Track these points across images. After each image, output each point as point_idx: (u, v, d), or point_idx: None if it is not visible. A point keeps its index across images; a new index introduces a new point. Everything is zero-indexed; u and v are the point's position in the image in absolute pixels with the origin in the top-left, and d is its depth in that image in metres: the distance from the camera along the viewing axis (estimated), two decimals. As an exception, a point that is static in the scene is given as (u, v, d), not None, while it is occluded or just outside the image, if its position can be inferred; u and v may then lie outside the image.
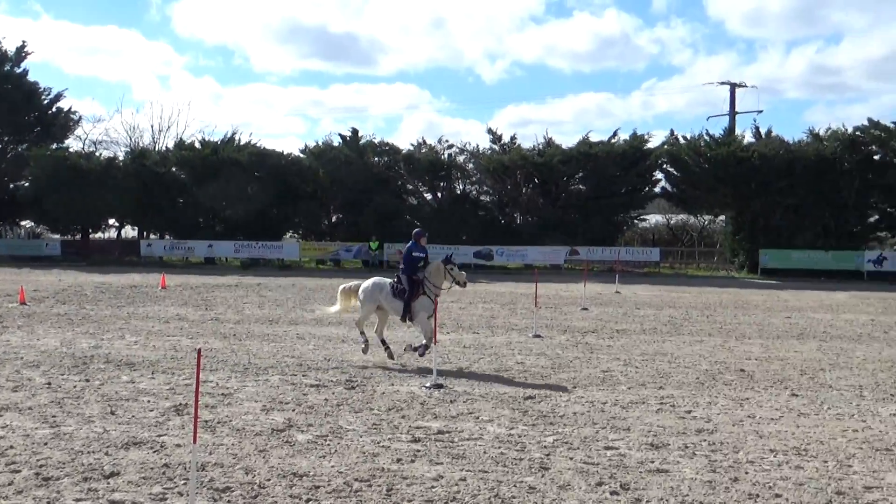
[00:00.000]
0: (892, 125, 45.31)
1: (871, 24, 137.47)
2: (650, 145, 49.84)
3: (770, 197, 45.13)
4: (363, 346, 15.89)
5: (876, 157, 46.02)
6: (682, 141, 49.09)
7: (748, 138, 49.06)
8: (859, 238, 46.63)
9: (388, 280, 16.01)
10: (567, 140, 51.57)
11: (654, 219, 60.44)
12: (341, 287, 16.76)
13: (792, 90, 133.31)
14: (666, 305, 27.56)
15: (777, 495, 8.11)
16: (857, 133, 46.10)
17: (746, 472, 8.83)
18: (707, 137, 48.71)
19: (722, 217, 52.64)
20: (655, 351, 17.39)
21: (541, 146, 51.16)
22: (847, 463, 9.25)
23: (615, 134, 51.23)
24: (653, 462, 9.16)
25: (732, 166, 45.83)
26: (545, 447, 9.70)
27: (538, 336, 19.31)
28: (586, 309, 25.72)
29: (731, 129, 52.80)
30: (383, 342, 15.81)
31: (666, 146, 49.44)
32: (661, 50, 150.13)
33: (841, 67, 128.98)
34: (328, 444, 9.68)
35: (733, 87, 58.62)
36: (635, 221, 54.90)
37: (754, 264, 45.91)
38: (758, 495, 8.11)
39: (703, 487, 8.32)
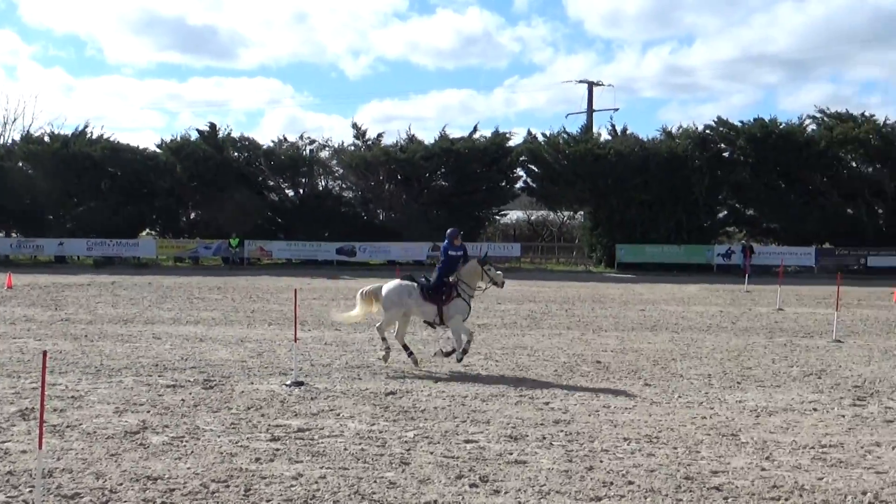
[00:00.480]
0: (739, 124, 47.29)
1: (721, 27, 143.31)
2: (511, 143, 50.60)
3: (626, 193, 46.40)
4: (384, 353, 14.79)
5: (725, 155, 47.95)
6: (541, 138, 49.98)
7: (605, 136, 50.43)
8: (709, 233, 48.47)
9: (412, 283, 14.96)
10: (431, 136, 51.70)
11: (515, 215, 61.35)
12: (361, 290, 15.50)
13: (647, 89, 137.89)
14: (526, 300, 28.03)
15: (630, 482, 8.34)
16: (707, 131, 47.94)
17: (601, 461, 9.05)
18: (566, 135, 49.74)
19: (580, 213, 53.87)
20: (515, 344, 17.66)
21: (404, 142, 51.23)
22: (696, 449, 9.59)
23: (475, 129, 51.72)
24: (511, 454, 9.28)
25: (590, 163, 46.91)
26: (406, 442, 9.71)
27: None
28: (448, 304, 25.88)
29: (588, 127, 54.17)
30: (405, 347, 14.97)
31: (526, 143, 50.24)
32: (522, 48, 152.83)
33: (693, 68, 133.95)
34: (184, 446, 9.44)
35: (591, 85, 60.18)
36: (497, 217, 55.65)
37: (611, 259, 47.15)
38: (611, 483, 8.32)
39: (559, 477, 8.48)
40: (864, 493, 8.08)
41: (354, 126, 53.20)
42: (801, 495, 8.04)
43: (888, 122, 45.96)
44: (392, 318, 14.94)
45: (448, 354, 14.76)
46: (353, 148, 51.89)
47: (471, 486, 8.19)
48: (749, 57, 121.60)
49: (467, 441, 9.78)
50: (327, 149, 52.75)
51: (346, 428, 10.35)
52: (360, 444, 9.61)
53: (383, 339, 14.88)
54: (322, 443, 9.65)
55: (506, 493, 8.01)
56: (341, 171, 52.59)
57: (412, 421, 10.76)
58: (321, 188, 53.20)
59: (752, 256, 43.28)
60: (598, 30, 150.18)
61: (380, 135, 52.66)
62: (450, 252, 14.90)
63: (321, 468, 8.67)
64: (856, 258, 44.93)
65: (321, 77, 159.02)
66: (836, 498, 7.98)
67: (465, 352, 14.55)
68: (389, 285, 15.10)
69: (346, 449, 9.38)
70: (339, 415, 11.07)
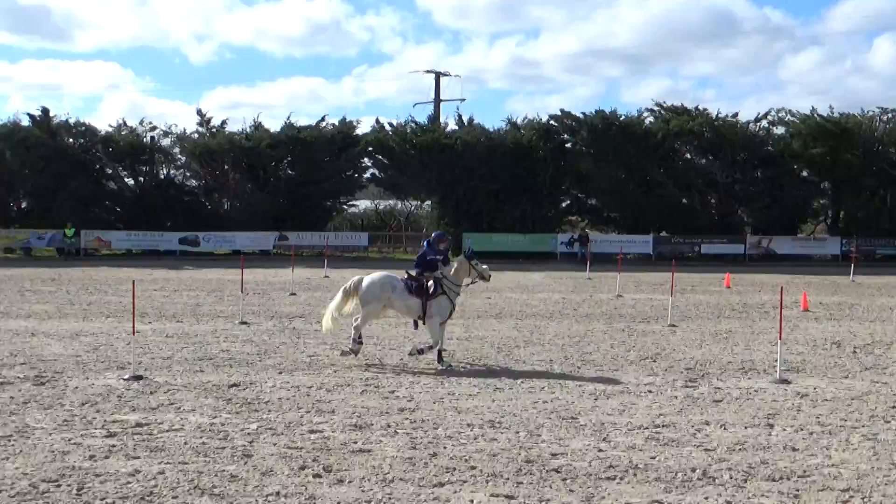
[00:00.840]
0: (581, 115, 48.54)
1: (566, 21, 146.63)
2: (359, 131, 50.39)
3: (472, 183, 46.90)
4: (353, 348, 14.34)
5: (568, 146, 49.15)
6: (388, 128, 50.02)
7: (452, 126, 50.81)
8: (553, 222, 49.59)
9: (396, 276, 14.54)
10: (279, 124, 50.76)
11: (363, 204, 61.23)
12: (344, 287, 14.73)
13: (495, 80, 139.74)
14: (374, 289, 27.96)
15: (472, 467, 8.45)
16: (552, 122, 49.00)
17: (444, 447, 9.14)
18: (413, 124, 49.94)
19: (428, 202, 54.17)
20: (363, 334, 17.57)
21: (249, 130, 50.31)
22: (537, 432, 9.80)
23: (323, 119, 51.25)
24: (356, 443, 9.26)
25: (437, 153, 47.23)
26: (248, 434, 9.56)
27: (245, 323, 19.01)
28: (294, 294, 25.64)
29: (436, 117, 54.48)
30: (360, 338, 14.40)
31: (374, 132, 50.18)
32: (371, 37, 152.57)
33: (539, 60, 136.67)
34: (12, 445, 9.01)
35: (438, 75, 60.47)
36: (345, 207, 55.40)
37: (458, 248, 47.60)
38: (454, 468, 8.41)
39: (403, 464, 8.52)
40: (694, 470, 8.44)
41: (199, 113, 51.79)
42: (635, 474, 8.33)
43: (720, 115, 48.10)
44: (371, 313, 14.46)
45: (422, 352, 14.29)
46: (196, 135, 50.58)
47: (314, 476, 8.13)
48: (593, 51, 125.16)
49: (312, 431, 9.71)
50: (170, 136, 51.21)
51: (187, 422, 10.09)
52: (200, 437, 9.40)
53: (360, 336, 14.39)
54: (161, 437, 9.38)
55: (350, 482, 7.99)
56: (184, 159, 51.22)
57: (255, 413, 10.59)
58: (163, 176, 51.68)
59: (590, 245, 44.61)
60: (447, 20, 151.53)
61: (224, 122, 51.61)
62: (428, 257, 14.48)
63: (160, 463, 8.43)
64: (690, 246, 46.84)
65: (164, 62, 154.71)
66: (667, 475, 8.30)
67: (421, 352, 14.23)
68: (371, 277, 14.50)
69: (186, 443, 9.15)
70: (179, 408, 10.79)
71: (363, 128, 50.95)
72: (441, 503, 7.54)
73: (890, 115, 47.37)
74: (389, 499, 7.59)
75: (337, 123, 50.54)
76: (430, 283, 14.21)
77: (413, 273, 14.47)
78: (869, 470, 8.56)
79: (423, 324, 14.39)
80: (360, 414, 10.55)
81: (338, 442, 9.28)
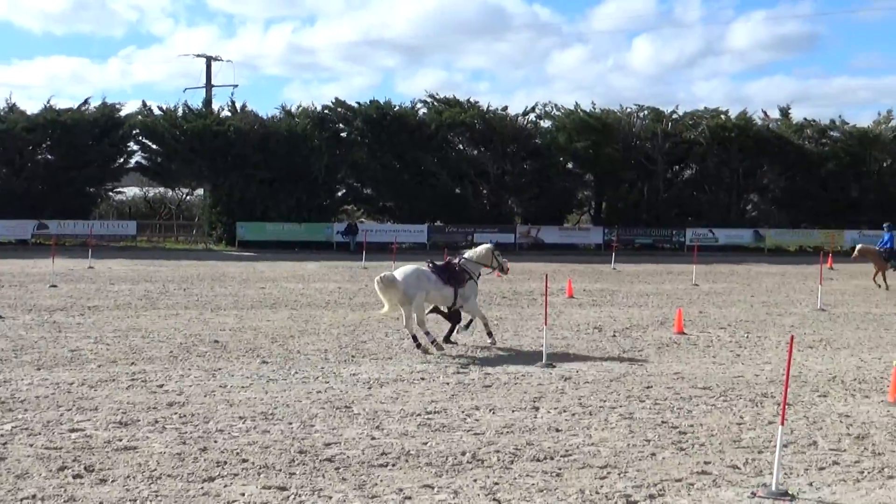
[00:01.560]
0: (356, 105, 48.69)
1: (342, 10, 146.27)
2: (124, 113, 48.27)
3: (246, 171, 46.06)
4: (428, 345, 14.45)
5: (343, 135, 49.20)
6: (158, 112, 48.29)
7: (225, 112, 49.64)
8: (329, 211, 49.50)
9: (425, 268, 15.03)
10: (38, 106, 47.84)
11: (131, 191, 58.82)
12: (380, 282, 14.56)
13: (271, 67, 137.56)
14: (142, 280, 27.00)
15: (244, 460, 8.31)
16: (326, 111, 48.89)
17: (215, 441, 8.93)
18: (184, 110, 48.46)
19: (200, 190, 52.77)
20: (129, 326, 16.95)
21: (3, 112, 47.10)
22: (310, 423, 9.76)
23: (86, 101, 48.70)
24: (121, 440, 8.89)
25: (209, 140, 46.08)
26: (2, 436, 8.96)
27: (-1, 317, 17.85)
28: (55, 286, 24.27)
29: (208, 102, 53.08)
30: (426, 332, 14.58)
31: (141, 116, 48.30)
32: (140, 17, 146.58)
33: (316, 48, 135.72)
34: None
35: (210, 60, 58.95)
36: (111, 194, 53.03)
37: (232, 237, 46.70)
38: (225, 462, 8.24)
39: (171, 460, 8.26)
40: (464, 454, 8.66)
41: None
42: (407, 460, 8.45)
43: (491, 108, 49.59)
44: (418, 307, 14.55)
45: (467, 327, 15.92)
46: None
47: (75, 476, 7.73)
48: (369, 41, 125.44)
49: (72, 430, 9.23)
50: None
51: (-69, 425, 9.36)
52: (-53, 441, 8.74)
53: (426, 332, 14.53)
54: None
55: (113, 481, 7.66)
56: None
57: (10, 413, 9.95)
58: None
59: (358, 234, 45.09)
60: (221, 4, 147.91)
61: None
62: None
63: None
64: (464, 234, 47.88)
65: None
66: (438, 460, 8.47)
67: (466, 328, 15.85)
68: (405, 271, 14.75)
69: (-71, 448, 8.49)
70: (-78, 411, 9.99)
71: (130, 112, 48.89)
72: (211, 498, 7.36)
73: (646, 112, 50.47)
74: (156, 496, 7.34)
75: (100, 106, 48.14)
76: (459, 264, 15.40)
77: (436, 263, 15.39)
78: (625, 447, 9.07)
79: (448, 311, 15.44)
80: (126, 410, 10.13)
81: (101, 440, 8.87)
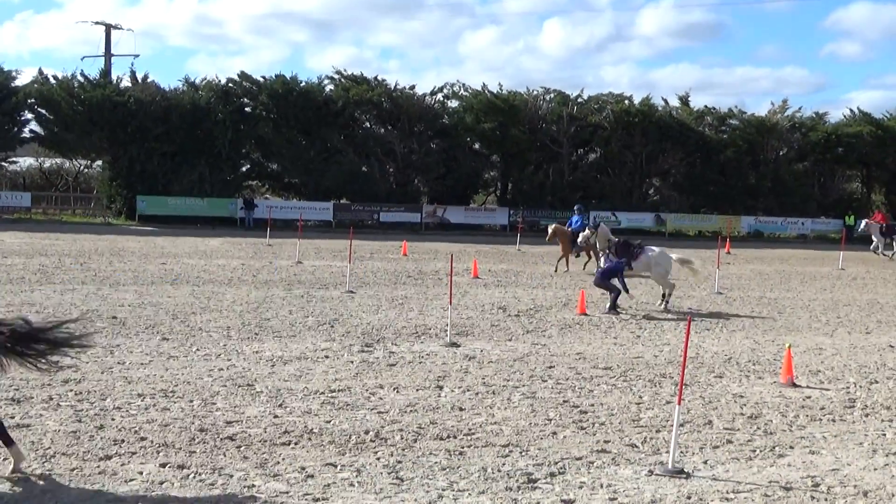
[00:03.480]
0: (261, 79, 47.94)
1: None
2: (19, 82, 46.61)
3: (147, 143, 45.01)
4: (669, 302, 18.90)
5: (248, 109, 48.40)
6: (54, 81, 46.74)
7: (126, 83, 48.34)
8: (233, 186, 48.70)
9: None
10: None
11: (26, 162, 56.82)
12: (692, 265, 19.49)
13: (175, 37, 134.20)
14: (37, 253, 26.18)
15: (142, 438, 8.15)
16: (231, 85, 48.03)
17: (113, 419, 8.73)
18: (82, 78, 47.03)
19: (99, 162, 51.33)
20: (23, 301, 16.42)
21: None
22: (212, 401, 9.62)
23: (-19, 69, 46.84)
24: (13, 418, 8.63)
25: (108, 110, 44.81)
26: None
27: None
28: (-56, 258, 23.40)
29: (107, 72, 51.56)
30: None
31: (36, 85, 46.70)
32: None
33: (223, 19, 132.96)
34: None
35: (109, 28, 57.30)
36: (4, 164, 51.16)
37: (132, 211, 45.61)
38: (123, 440, 8.07)
39: (66, 438, 8.05)
40: (367, 432, 8.65)
41: None
42: (310, 438, 8.40)
43: (398, 87, 49.38)
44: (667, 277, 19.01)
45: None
46: None
47: (-37, 456, 7.47)
48: (278, 13, 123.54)
49: (-39, 407, 8.91)
50: None
51: None
52: None
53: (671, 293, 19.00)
54: None
55: (5, 459, 7.42)
56: None
57: None
58: None
59: (255, 210, 44.81)
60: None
61: None
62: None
63: None
64: (370, 213, 47.84)
65: None
66: (341, 438, 8.44)
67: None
68: (663, 252, 19.08)
69: None
70: None
71: (25, 79, 47.25)
72: (107, 477, 7.19)
73: (552, 95, 50.93)
74: (50, 474, 7.15)
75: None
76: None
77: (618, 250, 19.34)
78: (527, 426, 9.18)
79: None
80: (19, 387, 9.82)
81: (-9, 418, 8.58)
